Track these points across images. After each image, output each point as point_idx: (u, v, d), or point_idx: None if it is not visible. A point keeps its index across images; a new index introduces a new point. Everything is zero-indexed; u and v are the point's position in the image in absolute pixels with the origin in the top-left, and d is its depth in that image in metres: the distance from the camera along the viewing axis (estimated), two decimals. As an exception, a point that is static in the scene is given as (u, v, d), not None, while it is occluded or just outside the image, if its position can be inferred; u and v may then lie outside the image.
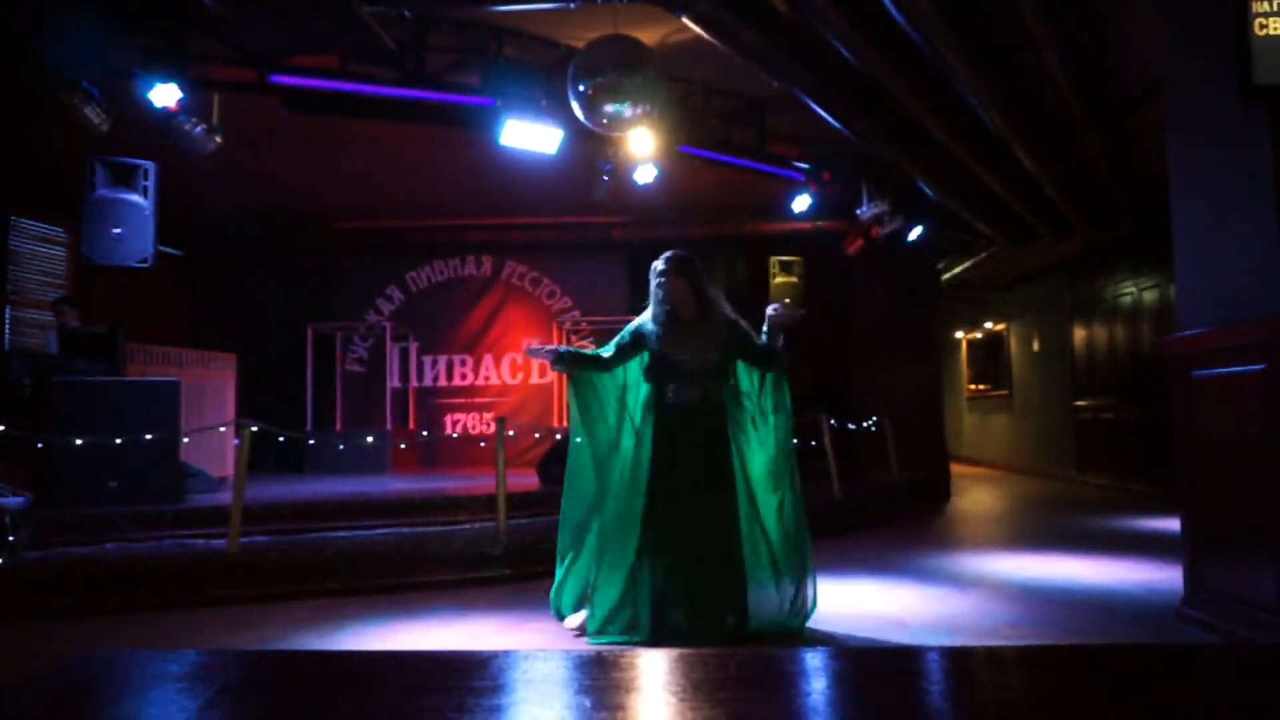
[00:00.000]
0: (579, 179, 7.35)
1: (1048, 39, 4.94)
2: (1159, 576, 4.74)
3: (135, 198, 6.08)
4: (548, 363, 3.78)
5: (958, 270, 11.48)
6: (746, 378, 3.79)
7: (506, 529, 5.33)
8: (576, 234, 10.14)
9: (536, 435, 9.27)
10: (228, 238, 9.69)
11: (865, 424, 8.96)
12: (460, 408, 10.45)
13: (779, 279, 9.74)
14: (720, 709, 0.83)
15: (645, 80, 5.13)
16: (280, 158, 7.64)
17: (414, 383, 10.40)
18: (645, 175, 6.97)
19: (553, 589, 3.84)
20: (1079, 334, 11.00)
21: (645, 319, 3.70)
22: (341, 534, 5.48)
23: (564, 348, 3.93)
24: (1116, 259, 9.85)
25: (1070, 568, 5.15)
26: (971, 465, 14.03)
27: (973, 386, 14.99)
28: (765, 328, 3.70)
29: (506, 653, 1.01)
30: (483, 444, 9.63)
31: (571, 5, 5.17)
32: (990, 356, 14.18)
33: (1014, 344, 13.28)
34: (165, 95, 5.33)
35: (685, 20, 5.15)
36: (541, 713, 0.81)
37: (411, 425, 10.23)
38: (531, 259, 10.55)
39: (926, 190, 7.98)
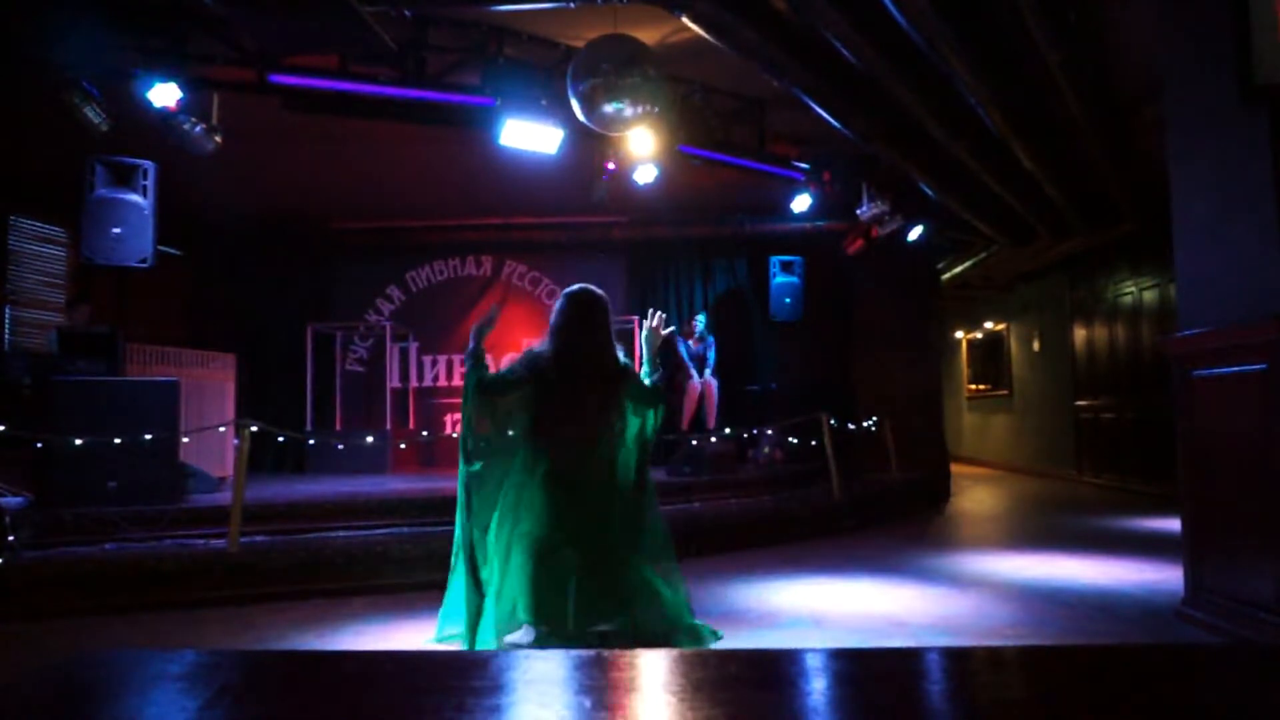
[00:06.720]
0: (579, 179, 7.35)
1: (1048, 39, 4.94)
2: (1159, 576, 4.74)
3: (135, 198, 6.08)
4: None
5: (958, 270, 11.49)
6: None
7: (506, 529, 5.32)
8: (576, 234, 10.12)
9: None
10: (228, 238, 9.68)
11: (865, 424, 8.96)
12: (460, 408, 10.42)
13: (779, 279, 9.76)
14: (720, 709, 0.83)
15: (645, 80, 5.12)
16: (280, 158, 7.64)
17: (414, 383, 10.39)
18: (645, 175, 6.97)
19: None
20: (1079, 334, 11.01)
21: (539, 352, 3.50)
22: (341, 534, 5.47)
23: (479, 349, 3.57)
24: (1116, 259, 9.86)
25: (1070, 568, 5.15)
26: (971, 465, 14.03)
27: (973, 386, 14.99)
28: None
29: (506, 653, 1.01)
30: (482, 444, 9.59)
31: (571, 5, 5.17)
32: (990, 356, 14.18)
33: (1014, 344, 13.28)
34: (165, 95, 5.34)
35: (685, 20, 5.15)
36: (541, 713, 0.81)
37: (411, 425, 10.21)
38: (531, 259, 10.54)
39: (926, 190, 7.98)
